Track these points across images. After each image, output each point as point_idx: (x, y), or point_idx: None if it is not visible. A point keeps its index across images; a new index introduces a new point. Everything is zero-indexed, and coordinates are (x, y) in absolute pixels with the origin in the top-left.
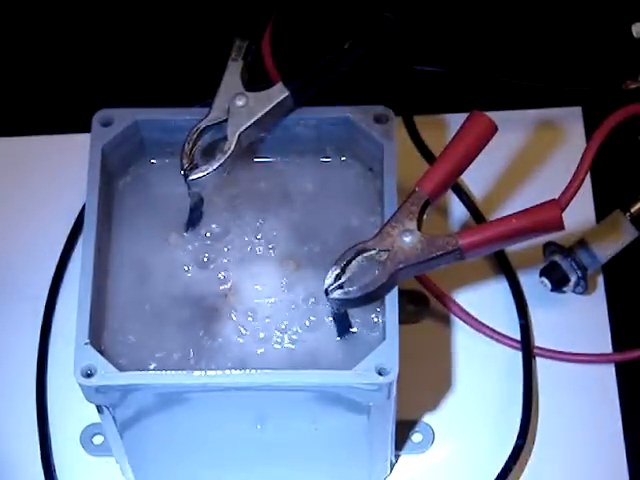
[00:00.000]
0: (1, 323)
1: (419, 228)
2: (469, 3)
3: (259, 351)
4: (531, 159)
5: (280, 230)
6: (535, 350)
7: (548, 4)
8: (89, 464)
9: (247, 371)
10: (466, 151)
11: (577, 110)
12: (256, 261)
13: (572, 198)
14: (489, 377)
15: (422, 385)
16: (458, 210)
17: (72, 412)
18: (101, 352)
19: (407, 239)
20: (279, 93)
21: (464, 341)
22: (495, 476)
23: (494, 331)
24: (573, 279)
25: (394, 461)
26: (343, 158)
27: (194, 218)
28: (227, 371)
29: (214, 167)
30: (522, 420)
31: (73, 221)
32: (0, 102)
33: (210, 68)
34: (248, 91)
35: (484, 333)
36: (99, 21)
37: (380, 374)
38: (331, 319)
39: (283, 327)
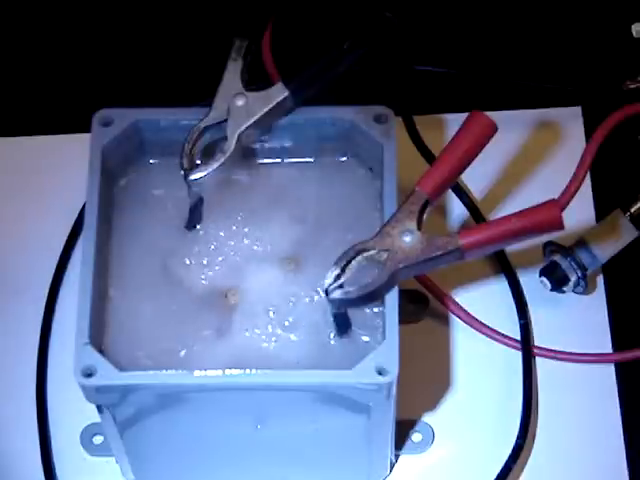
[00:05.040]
0: (1, 323)
1: (419, 228)
2: (469, 3)
3: (259, 351)
4: (531, 159)
5: (280, 230)
6: (535, 350)
7: (548, 4)
8: (89, 464)
9: (247, 371)
10: (466, 151)
11: (577, 110)
12: (256, 261)
13: (572, 198)
14: (489, 377)
15: (422, 385)
16: (458, 210)
17: (72, 412)
18: (101, 352)
19: (407, 239)
20: (279, 93)
21: (464, 341)
22: (495, 476)
23: (494, 331)
24: (573, 279)
25: (394, 461)
26: (343, 158)
27: (194, 218)
28: (227, 371)
29: (214, 167)
30: (522, 420)
31: (73, 221)
32: (0, 102)
33: (210, 68)
34: (248, 91)
35: (484, 333)
36: (99, 21)
37: (380, 374)
38: (331, 319)
39: (283, 327)
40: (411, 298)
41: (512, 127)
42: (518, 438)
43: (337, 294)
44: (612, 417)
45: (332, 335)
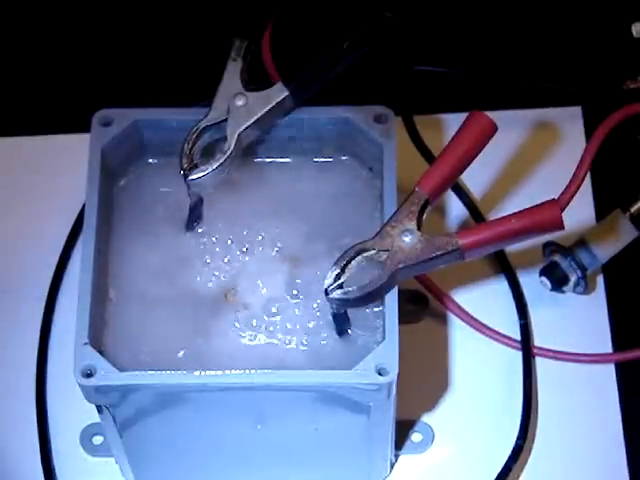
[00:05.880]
0: (1, 323)
1: (419, 228)
2: (469, 3)
3: (259, 351)
4: (531, 159)
5: (280, 230)
6: (535, 350)
7: (548, 4)
8: (89, 464)
9: (247, 371)
10: (466, 151)
11: (577, 110)
12: (256, 261)
13: (572, 198)
14: (489, 377)
15: (422, 385)
16: (458, 210)
17: (72, 412)
18: (101, 352)
19: (407, 239)
20: (279, 93)
21: (464, 341)
22: (495, 476)
23: (494, 331)
24: (573, 279)
25: (394, 461)
26: (343, 158)
27: (194, 218)
28: (227, 371)
29: (214, 167)
30: (522, 420)
31: (73, 221)
32: (0, 102)
33: (210, 68)
34: (248, 91)
35: (484, 333)
36: (99, 21)
37: (380, 374)
38: (331, 319)
39: (283, 327)
40: (411, 298)
41: (512, 127)
42: (518, 438)
43: (337, 294)
44: (612, 417)
45: (332, 335)
